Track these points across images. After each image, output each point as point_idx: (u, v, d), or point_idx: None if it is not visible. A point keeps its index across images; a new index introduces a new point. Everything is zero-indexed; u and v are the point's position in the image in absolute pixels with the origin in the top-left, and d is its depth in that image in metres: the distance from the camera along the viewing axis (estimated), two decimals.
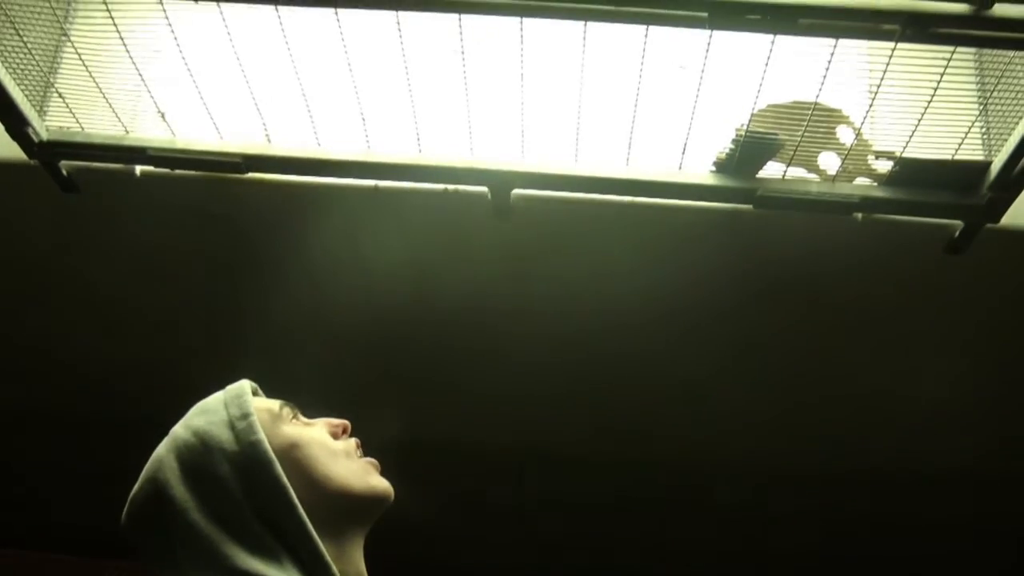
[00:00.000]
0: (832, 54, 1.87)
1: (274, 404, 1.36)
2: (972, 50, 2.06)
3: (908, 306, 2.40)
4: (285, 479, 1.26)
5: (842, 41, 1.85)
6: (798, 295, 2.40)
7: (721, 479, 3.04)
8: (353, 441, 1.39)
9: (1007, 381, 2.59)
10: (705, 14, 1.76)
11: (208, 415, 1.32)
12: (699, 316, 2.49)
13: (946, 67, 1.88)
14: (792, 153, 2.08)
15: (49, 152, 2.20)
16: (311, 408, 1.41)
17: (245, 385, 1.38)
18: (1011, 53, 1.92)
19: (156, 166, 2.21)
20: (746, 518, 3.19)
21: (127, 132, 2.18)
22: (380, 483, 1.36)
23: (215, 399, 1.36)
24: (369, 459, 1.38)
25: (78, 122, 2.18)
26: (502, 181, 2.17)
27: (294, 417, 1.37)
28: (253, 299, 2.60)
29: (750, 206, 2.13)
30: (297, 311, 2.62)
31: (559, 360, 2.67)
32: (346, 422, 1.40)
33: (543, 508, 3.27)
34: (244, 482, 1.25)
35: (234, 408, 1.32)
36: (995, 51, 1.99)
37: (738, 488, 3.07)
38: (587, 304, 2.49)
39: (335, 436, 1.38)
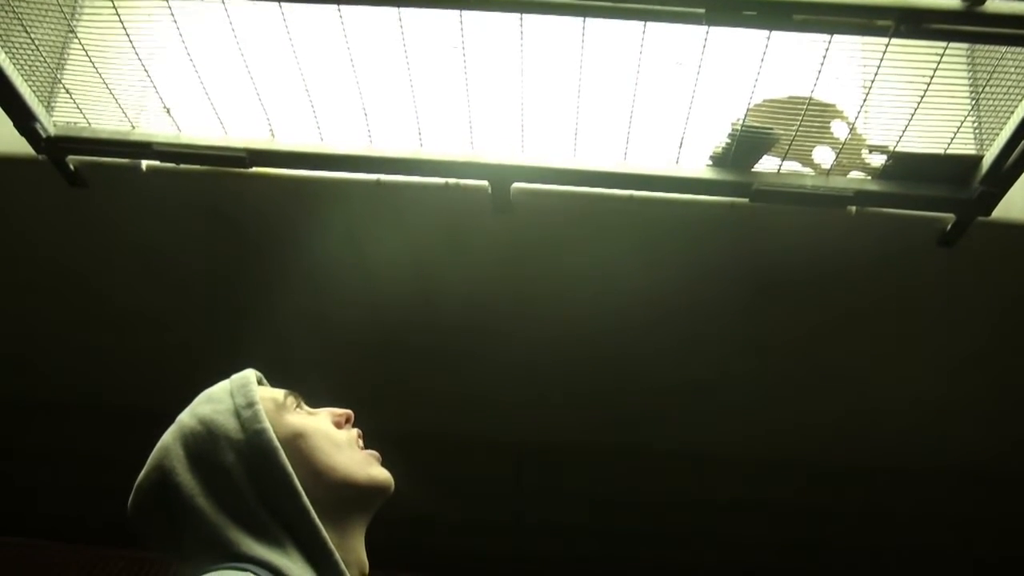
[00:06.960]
0: (827, 50, 1.90)
1: (279, 393, 1.38)
2: (964, 46, 2.08)
3: (900, 297, 2.43)
4: (289, 467, 1.27)
5: (836, 37, 1.87)
6: (792, 286, 2.43)
7: (721, 473, 3.07)
8: (355, 431, 1.41)
9: (999, 371, 2.61)
10: (702, 10, 1.80)
11: (214, 403, 1.34)
12: (696, 307, 2.51)
13: (939, 63, 1.91)
14: (787, 147, 2.11)
15: (56, 147, 2.23)
16: (313, 400, 1.44)
17: (250, 374, 1.39)
18: (1003, 49, 1.95)
19: (162, 161, 2.25)
20: (745, 511, 3.22)
21: (133, 127, 2.22)
22: (381, 473, 1.37)
23: (221, 388, 1.37)
24: (370, 451, 1.40)
25: (85, 118, 2.21)
26: (502, 175, 2.20)
27: (298, 406, 1.38)
28: (255, 291, 2.63)
29: (746, 199, 2.16)
30: (298, 303, 2.64)
31: (558, 352, 2.70)
32: (349, 412, 1.42)
33: (541, 502, 3.29)
34: (249, 470, 1.27)
35: (240, 397, 1.33)
36: (987, 47, 2.02)
37: (737, 481, 3.09)
38: (585, 295, 2.51)
39: (338, 426, 1.39)
